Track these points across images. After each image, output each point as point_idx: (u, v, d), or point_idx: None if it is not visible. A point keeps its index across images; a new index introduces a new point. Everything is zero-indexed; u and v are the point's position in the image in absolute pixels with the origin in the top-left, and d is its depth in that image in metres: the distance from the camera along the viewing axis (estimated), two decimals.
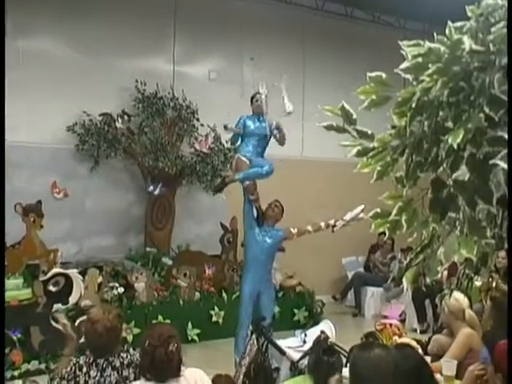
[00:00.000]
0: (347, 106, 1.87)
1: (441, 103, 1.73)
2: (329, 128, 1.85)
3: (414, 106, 1.76)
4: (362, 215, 5.26)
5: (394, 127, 1.84)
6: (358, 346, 2.52)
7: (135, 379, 2.78)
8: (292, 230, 5.54)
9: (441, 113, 1.73)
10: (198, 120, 8.16)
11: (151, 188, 7.73)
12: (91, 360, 2.86)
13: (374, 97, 1.83)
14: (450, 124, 1.71)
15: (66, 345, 3.32)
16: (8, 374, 5.34)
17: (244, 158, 5.53)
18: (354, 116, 1.83)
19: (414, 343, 3.21)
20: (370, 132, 1.85)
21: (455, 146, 1.65)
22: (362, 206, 5.24)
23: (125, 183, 8.07)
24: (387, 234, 2.01)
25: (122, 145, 7.60)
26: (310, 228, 5.50)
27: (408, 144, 1.80)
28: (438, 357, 3.59)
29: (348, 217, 5.35)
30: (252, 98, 5.69)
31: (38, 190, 7.08)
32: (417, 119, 1.78)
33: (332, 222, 5.45)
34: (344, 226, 5.36)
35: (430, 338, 4.03)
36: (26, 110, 7.29)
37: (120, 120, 7.61)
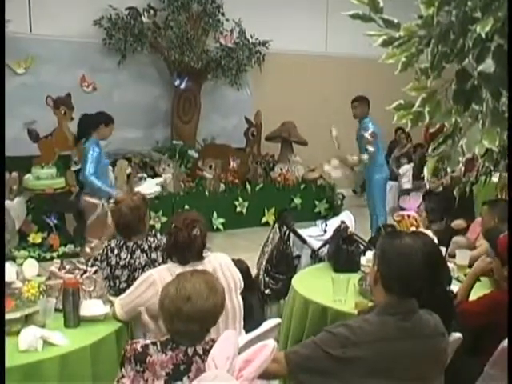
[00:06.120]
0: None
1: None
2: (354, 17, 1.81)
3: None
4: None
5: (420, 17, 1.81)
6: (387, 234, 2.58)
7: (163, 262, 2.91)
8: None
9: (469, 2, 1.70)
10: (223, 15, 7.99)
11: (177, 82, 7.73)
12: (122, 243, 3.04)
13: None
14: (478, 14, 1.68)
15: (104, 232, 3.53)
16: (48, 255, 5.73)
17: None
18: (381, 4, 1.80)
19: (430, 233, 3.30)
20: (396, 21, 1.82)
21: (483, 35, 1.63)
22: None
23: (151, 77, 8.07)
24: (409, 125, 2.02)
25: (148, 39, 7.55)
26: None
27: (434, 34, 1.78)
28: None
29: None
30: None
31: (67, 83, 7.11)
32: (444, 9, 1.75)
33: None
34: None
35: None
36: (51, 3, 7.17)
37: (146, 14, 7.53)
